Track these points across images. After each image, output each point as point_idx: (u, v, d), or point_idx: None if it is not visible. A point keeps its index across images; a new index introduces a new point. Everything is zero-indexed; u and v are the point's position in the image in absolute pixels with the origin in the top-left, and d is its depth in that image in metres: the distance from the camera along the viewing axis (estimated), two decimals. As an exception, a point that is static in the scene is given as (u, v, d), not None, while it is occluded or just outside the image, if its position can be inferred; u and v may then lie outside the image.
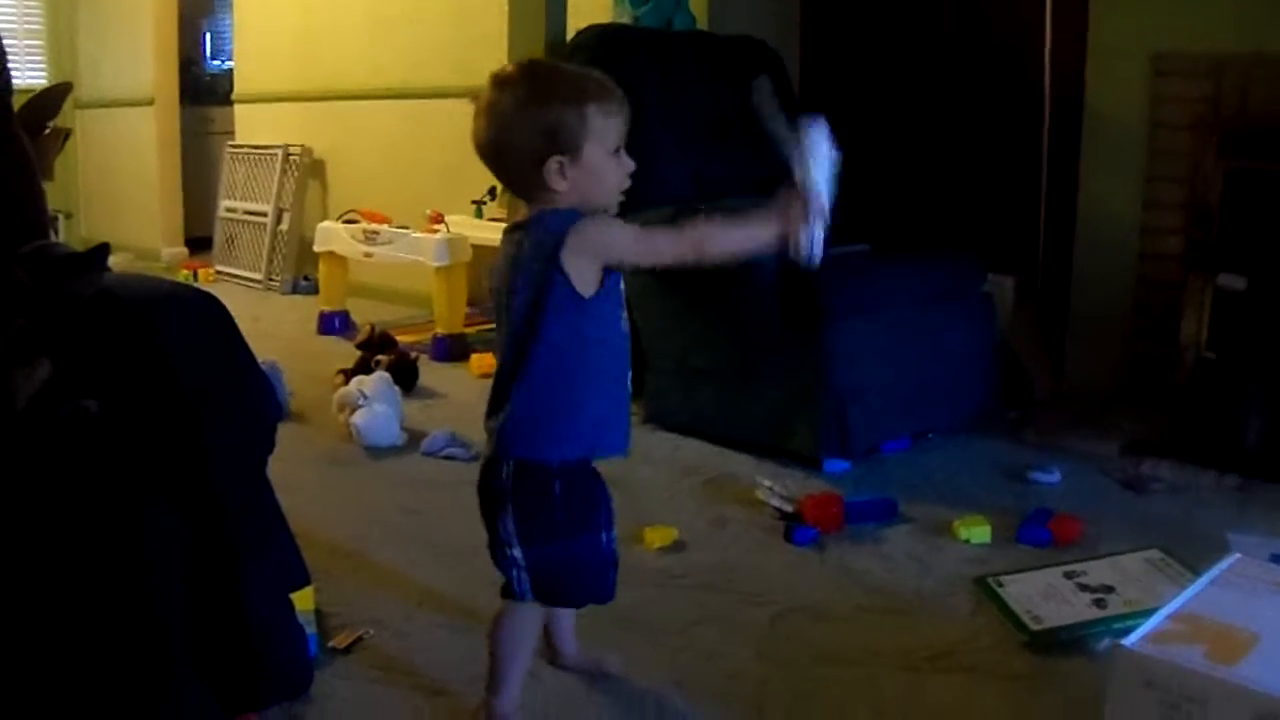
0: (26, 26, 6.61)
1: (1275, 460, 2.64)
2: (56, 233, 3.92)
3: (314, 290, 4.86)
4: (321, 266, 4.47)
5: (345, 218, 4.46)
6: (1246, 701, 1.21)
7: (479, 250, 4.02)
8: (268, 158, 5.64)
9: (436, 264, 3.96)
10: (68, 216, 6.26)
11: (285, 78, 5.65)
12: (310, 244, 4.64)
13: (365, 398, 2.96)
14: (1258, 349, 2.82)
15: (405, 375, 3.40)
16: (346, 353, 3.73)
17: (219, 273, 5.82)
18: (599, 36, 3.28)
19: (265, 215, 5.59)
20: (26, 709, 1.34)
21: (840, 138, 1.46)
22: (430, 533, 2.31)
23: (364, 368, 3.36)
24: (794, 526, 2.31)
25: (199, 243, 6.40)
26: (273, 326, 4.54)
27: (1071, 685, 1.71)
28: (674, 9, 3.79)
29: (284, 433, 1.67)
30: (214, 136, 6.65)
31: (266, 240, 5.56)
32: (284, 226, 5.52)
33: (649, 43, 3.42)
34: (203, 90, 7.07)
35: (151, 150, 6.34)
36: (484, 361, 3.62)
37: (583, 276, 1.41)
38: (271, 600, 1.58)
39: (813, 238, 1.44)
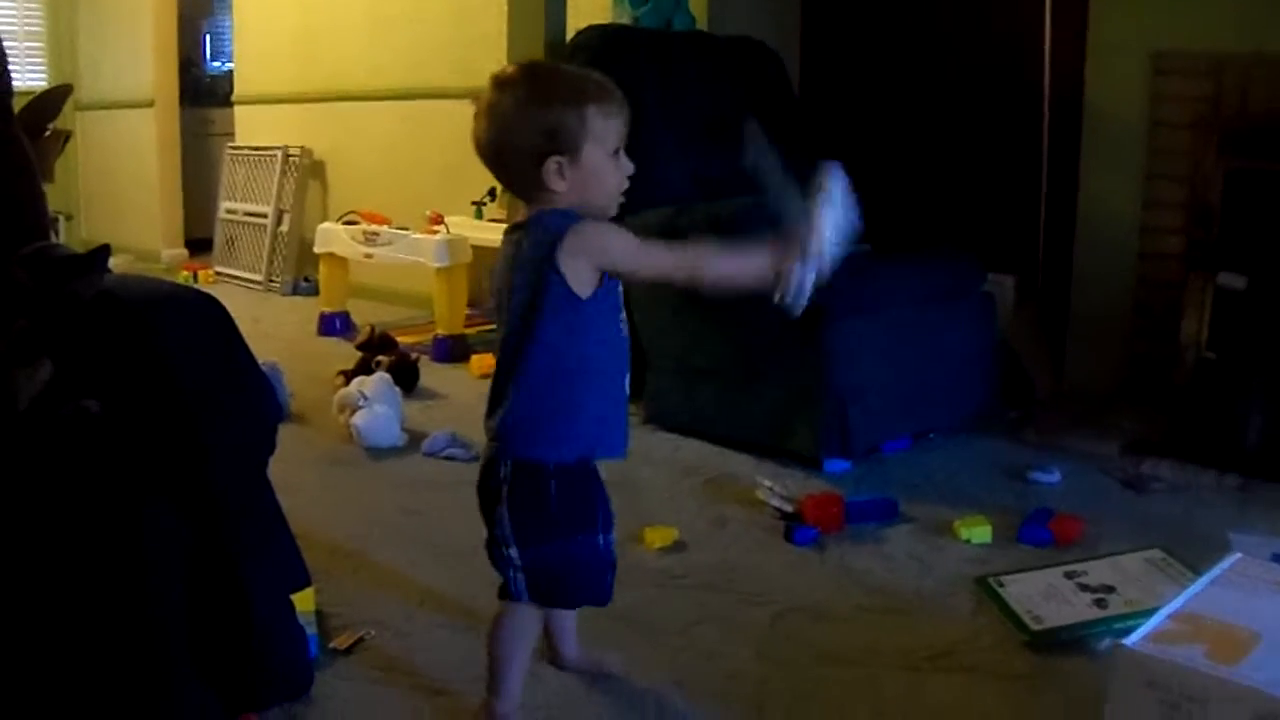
0: (27, 28, 6.61)
1: (1276, 459, 2.64)
2: (57, 234, 3.92)
3: (314, 291, 4.87)
4: (322, 268, 4.47)
5: (345, 219, 4.46)
6: (1247, 701, 1.21)
7: (479, 251, 4.03)
8: (268, 159, 5.64)
9: (437, 265, 3.96)
10: (68, 218, 6.26)
11: (285, 79, 5.65)
12: (310, 245, 4.64)
13: (366, 399, 2.96)
14: (1258, 348, 2.81)
15: (406, 376, 3.40)
16: (347, 354, 3.73)
17: (219, 274, 5.82)
18: (599, 37, 3.29)
19: (265, 216, 5.59)
20: (27, 709, 1.34)
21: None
22: (431, 533, 2.31)
23: (364, 369, 3.36)
24: (794, 526, 2.31)
25: (199, 244, 6.41)
26: (273, 328, 4.54)
27: (1072, 685, 1.71)
28: (674, 9, 3.80)
29: (284, 434, 1.67)
30: (214, 138, 6.66)
31: (267, 241, 5.56)
32: (284, 228, 5.52)
33: (649, 43, 3.42)
34: (203, 92, 7.07)
35: (151, 152, 6.34)
36: (484, 362, 3.62)
37: (579, 278, 1.41)
38: (272, 601, 1.58)
39: (802, 282, 1.42)
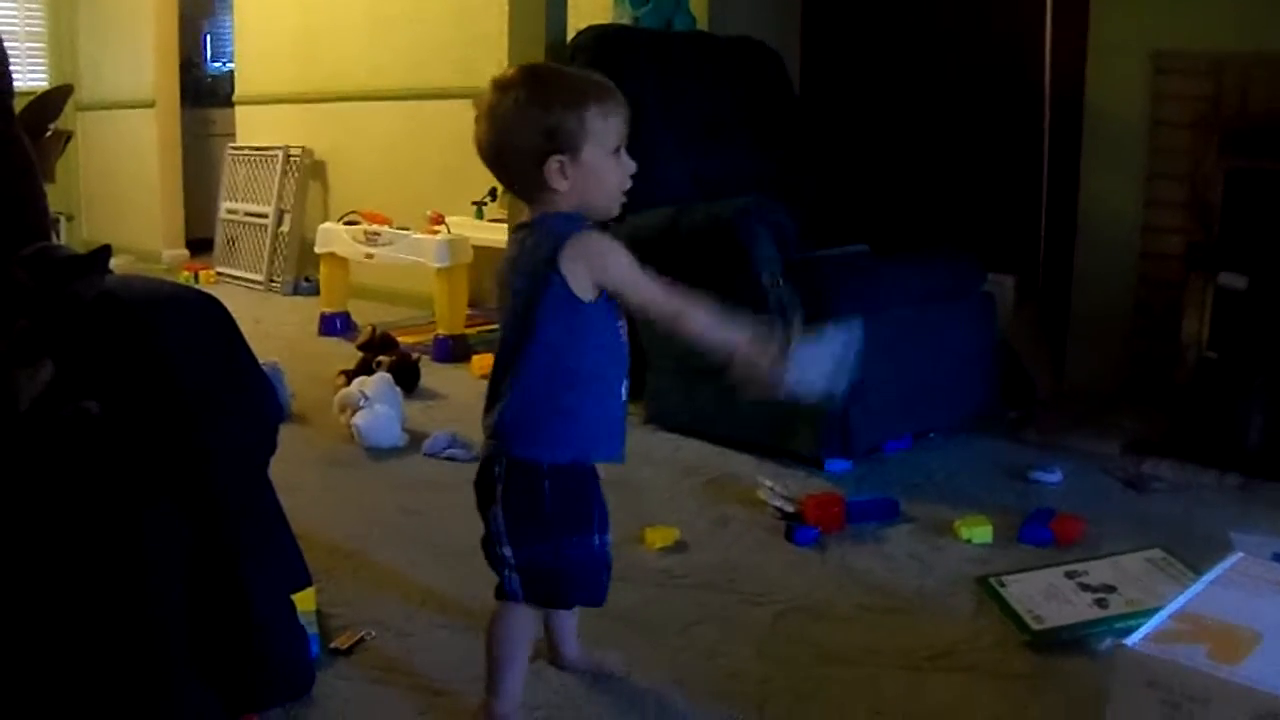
0: (27, 29, 6.61)
1: (1277, 459, 2.64)
2: (58, 235, 3.92)
3: (315, 291, 4.87)
4: (322, 268, 4.47)
5: (346, 219, 4.46)
6: (1248, 701, 1.21)
7: (480, 251, 4.03)
8: (268, 159, 5.65)
9: (437, 265, 3.96)
10: (69, 219, 6.27)
11: (286, 79, 5.66)
12: (311, 245, 4.64)
13: (366, 399, 2.96)
14: (1259, 348, 2.81)
15: (406, 376, 3.40)
16: (348, 354, 3.74)
17: (220, 274, 5.82)
18: (599, 37, 3.29)
19: (266, 217, 5.60)
20: (27, 709, 1.34)
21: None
22: (431, 533, 2.31)
23: (365, 369, 3.36)
24: (795, 526, 2.31)
25: (200, 244, 6.41)
26: (274, 328, 4.54)
27: (1073, 685, 1.71)
28: (674, 9, 3.80)
29: (285, 434, 1.67)
30: (215, 138, 6.66)
31: (267, 242, 5.56)
32: (285, 228, 5.53)
33: (649, 43, 3.43)
34: (203, 92, 7.08)
35: (152, 152, 6.34)
36: (485, 362, 3.61)
37: (580, 282, 1.42)
38: (273, 601, 1.58)
39: (775, 380, 1.44)
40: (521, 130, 1.42)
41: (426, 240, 4.02)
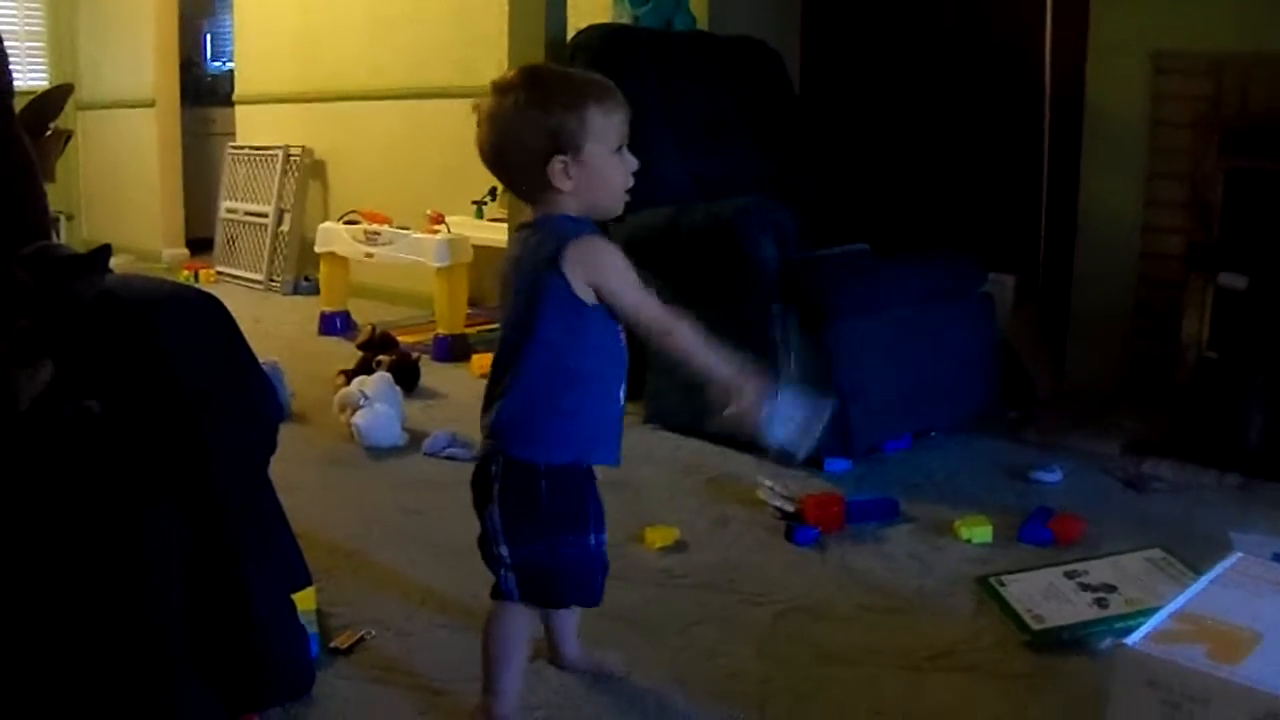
0: (28, 28, 6.61)
1: (1277, 459, 2.64)
2: (58, 234, 3.92)
3: (315, 291, 4.87)
4: (322, 267, 4.47)
5: (346, 218, 4.46)
6: (1248, 701, 1.21)
7: (480, 251, 4.03)
8: (268, 158, 5.65)
9: (437, 264, 3.96)
10: (69, 218, 6.27)
11: (286, 79, 5.66)
12: (311, 245, 4.64)
13: (366, 398, 2.96)
14: (1259, 348, 2.81)
15: (406, 376, 3.40)
16: (348, 353, 3.74)
17: (220, 274, 5.82)
18: (599, 37, 3.29)
19: (266, 216, 5.60)
20: (27, 709, 1.34)
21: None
22: (431, 533, 2.31)
23: (365, 368, 3.36)
24: (795, 526, 2.31)
25: (200, 244, 6.41)
26: (274, 327, 4.54)
27: (1073, 685, 1.71)
28: (674, 9, 3.80)
29: (285, 433, 1.67)
30: (215, 137, 6.66)
31: (267, 241, 5.56)
32: (285, 227, 5.53)
33: (649, 43, 3.42)
34: (203, 91, 7.08)
35: (152, 151, 6.34)
36: (485, 362, 3.60)
37: (581, 285, 1.42)
38: (273, 601, 1.58)
39: (747, 417, 1.49)
40: (523, 132, 1.42)
41: (426, 240, 4.02)
